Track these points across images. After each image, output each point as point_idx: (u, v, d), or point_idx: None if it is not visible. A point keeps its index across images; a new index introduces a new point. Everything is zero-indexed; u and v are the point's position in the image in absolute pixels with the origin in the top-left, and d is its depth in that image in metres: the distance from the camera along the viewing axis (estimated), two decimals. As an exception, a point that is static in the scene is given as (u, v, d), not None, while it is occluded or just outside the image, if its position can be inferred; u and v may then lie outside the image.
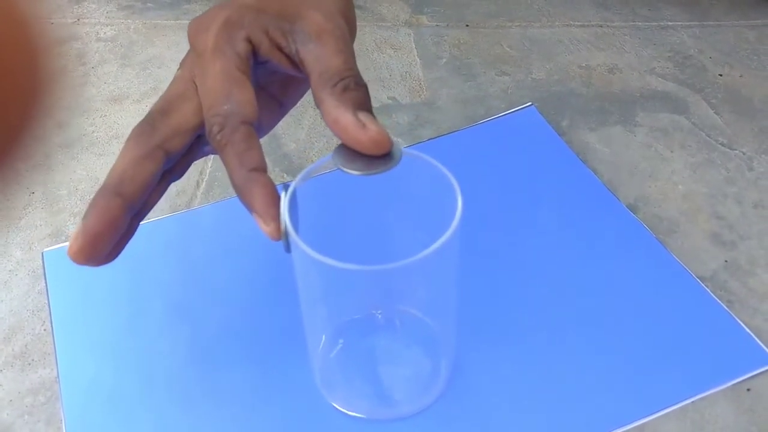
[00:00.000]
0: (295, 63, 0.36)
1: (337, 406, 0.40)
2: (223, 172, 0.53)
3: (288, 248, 0.33)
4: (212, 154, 0.39)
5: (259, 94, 0.37)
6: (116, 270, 0.47)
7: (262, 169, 0.33)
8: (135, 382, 0.42)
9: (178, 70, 0.38)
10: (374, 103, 0.58)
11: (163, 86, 0.60)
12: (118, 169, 0.35)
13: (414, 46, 0.64)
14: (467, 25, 0.65)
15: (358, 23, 0.42)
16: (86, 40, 0.66)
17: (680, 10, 0.66)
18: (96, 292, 0.46)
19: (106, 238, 0.33)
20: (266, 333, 0.43)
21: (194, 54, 0.37)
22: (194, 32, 0.37)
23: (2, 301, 0.46)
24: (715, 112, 0.56)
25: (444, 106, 0.58)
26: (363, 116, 0.33)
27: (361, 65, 0.35)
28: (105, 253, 0.34)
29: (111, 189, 0.34)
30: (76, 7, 0.70)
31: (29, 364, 0.43)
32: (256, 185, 0.33)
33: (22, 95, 0.15)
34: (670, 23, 0.64)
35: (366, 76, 0.35)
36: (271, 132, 0.56)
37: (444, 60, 0.62)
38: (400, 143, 0.34)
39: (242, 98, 0.34)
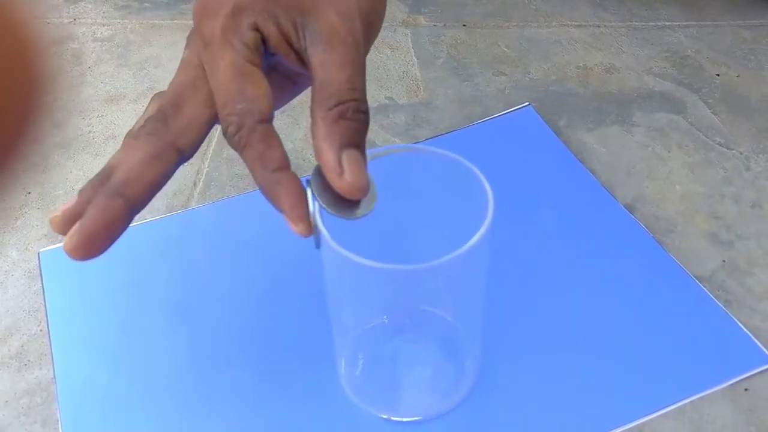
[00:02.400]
0: (303, 61, 0.34)
1: (367, 407, 0.40)
2: (220, 172, 0.53)
3: (318, 244, 0.32)
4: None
5: (271, 75, 0.35)
6: (113, 270, 0.47)
7: (285, 167, 0.32)
8: (131, 383, 0.42)
9: (185, 49, 0.36)
10: (371, 103, 0.58)
11: (160, 86, 0.60)
12: (125, 167, 0.33)
13: (411, 45, 0.63)
14: (464, 25, 0.65)
15: None
16: (83, 40, 0.66)
17: (677, 10, 0.66)
18: (92, 292, 0.46)
19: (104, 238, 0.32)
20: (264, 333, 0.43)
21: (201, 41, 0.35)
22: (200, 16, 0.35)
23: (-2, 301, 0.46)
24: (712, 112, 0.56)
25: (441, 106, 0.58)
26: (347, 158, 0.31)
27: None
28: (101, 251, 0.33)
29: (115, 189, 0.32)
30: (73, 6, 0.69)
31: (25, 364, 0.43)
32: (281, 186, 0.32)
33: (18, 95, 0.15)
34: (667, 23, 0.64)
35: (368, 126, 0.33)
36: (268, 132, 0.56)
37: (441, 60, 0.62)
38: (375, 196, 0.33)
39: (256, 94, 0.33)
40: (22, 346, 0.44)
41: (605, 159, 0.53)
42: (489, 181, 0.33)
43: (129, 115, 0.58)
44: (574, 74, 0.60)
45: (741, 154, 0.53)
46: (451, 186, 0.34)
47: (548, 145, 0.53)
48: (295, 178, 0.32)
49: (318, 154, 0.32)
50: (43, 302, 0.46)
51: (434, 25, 0.66)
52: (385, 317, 0.42)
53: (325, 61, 0.33)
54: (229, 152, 0.55)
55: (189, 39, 0.36)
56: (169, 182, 0.54)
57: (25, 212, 0.51)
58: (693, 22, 0.64)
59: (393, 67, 0.61)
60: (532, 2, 0.67)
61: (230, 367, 0.42)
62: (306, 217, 0.31)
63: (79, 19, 0.68)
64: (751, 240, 0.47)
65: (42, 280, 0.47)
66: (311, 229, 0.32)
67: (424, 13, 0.67)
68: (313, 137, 0.32)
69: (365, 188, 0.31)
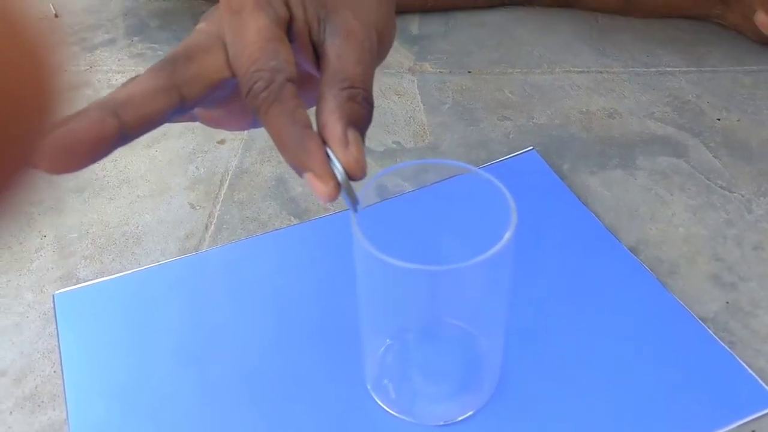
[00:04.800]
0: (316, 56, 0.34)
1: (386, 408, 0.42)
2: (231, 215, 0.54)
3: (356, 206, 0.32)
4: (181, 121, 0.36)
5: None
6: (126, 312, 0.48)
7: (311, 126, 0.32)
8: (144, 425, 0.42)
9: (199, 23, 0.36)
10: (379, 147, 0.60)
11: (172, 131, 0.62)
12: (126, 91, 0.32)
13: (417, 92, 0.65)
14: (470, 72, 0.67)
15: None
16: (98, 86, 0.67)
17: (678, 56, 0.67)
18: (106, 334, 0.47)
19: (84, 153, 0.29)
20: (275, 376, 0.44)
21: (228, 12, 0.34)
22: None
23: (13, 343, 0.47)
24: (713, 156, 0.57)
25: (447, 150, 0.59)
26: (351, 134, 0.32)
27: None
28: (73, 169, 0.29)
29: (111, 106, 0.31)
30: (89, 54, 0.72)
31: (39, 405, 0.44)
32: (312, 142, 0.31)
33: (35, 139, 0.16)
34: (668, 69, 0.66)
35: (371, 122, 0.35)
36: (279, 176, 0.57)
37: (447, 105, 0.63)
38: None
39: (288, 58, 0.32)
40: (35, 387, 0.45)
41: (609, 202, 0.54)
42: (494, 225, 0.35)
43: (142, 159, 0.60)
44: (577, 119, 0.61)
45: (743, 196, 0.54)
46: (476, 202, 0.36)
47: (552, 189, 0.54)
48: (320, 138, 0.32)
49: (323, 126, 0.32)
50: (57, 344, 0.46)
51: (440, 72, 0.67)
52: (423, 327, 0.44)
53: (341, 54, 0.33)
54: (240, 196, 0.56)
55: (206, 15, 0.36)
56: (181, 225, 0.55)
57: (41, 255, 0.52)
58: (693, 68, 0.66)
59: (400, 112, 0.63)
60: (535, 49, 0.69)
61: (242, 409, 0.42)
62: (335, 176, 0.31)
63: (95, 66, 0.70)
64: (754, 282, 0.48)
65: (56, 322, 0.48)
66: (339, 189, 0.31)
67: (430, 60, 0.69)
68: (320, 113, 0.32)
69: (365, 169, 0.32)
